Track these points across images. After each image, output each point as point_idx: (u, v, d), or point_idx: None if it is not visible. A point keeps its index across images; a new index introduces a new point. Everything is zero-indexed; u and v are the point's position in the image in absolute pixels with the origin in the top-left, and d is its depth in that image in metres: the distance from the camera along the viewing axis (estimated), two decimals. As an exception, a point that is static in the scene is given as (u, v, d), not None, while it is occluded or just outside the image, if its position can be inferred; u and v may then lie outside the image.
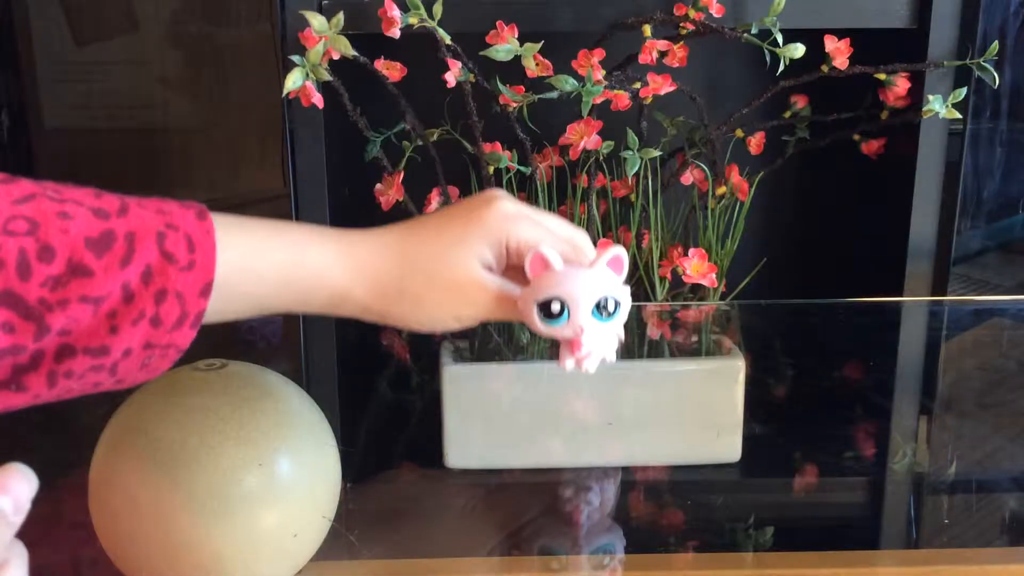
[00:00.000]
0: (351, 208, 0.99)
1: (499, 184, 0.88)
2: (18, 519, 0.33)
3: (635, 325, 0.87)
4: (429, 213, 0.54)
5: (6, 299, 0.38)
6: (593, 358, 0.51)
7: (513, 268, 0.52)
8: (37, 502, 0.34)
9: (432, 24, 0.80)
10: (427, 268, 0.50)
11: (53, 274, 0.39)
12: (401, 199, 0.87)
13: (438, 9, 0.79)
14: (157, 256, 0.42)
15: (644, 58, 0.84)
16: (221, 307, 0.45)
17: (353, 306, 0.49)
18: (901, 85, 0.87)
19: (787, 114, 0.94)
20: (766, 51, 0.81)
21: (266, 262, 0.46)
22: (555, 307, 0.49)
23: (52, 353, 0.40)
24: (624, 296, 0.51)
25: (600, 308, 0.49)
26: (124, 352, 0.41)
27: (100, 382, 0.42)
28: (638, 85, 0.84)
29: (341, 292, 0.49)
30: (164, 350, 0.43)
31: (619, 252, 0.50)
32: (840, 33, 0.84)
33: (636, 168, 0.85)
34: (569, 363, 0.51)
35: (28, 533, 0.33)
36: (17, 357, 0.39)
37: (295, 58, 0.78)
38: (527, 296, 0.50)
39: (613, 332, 0.51)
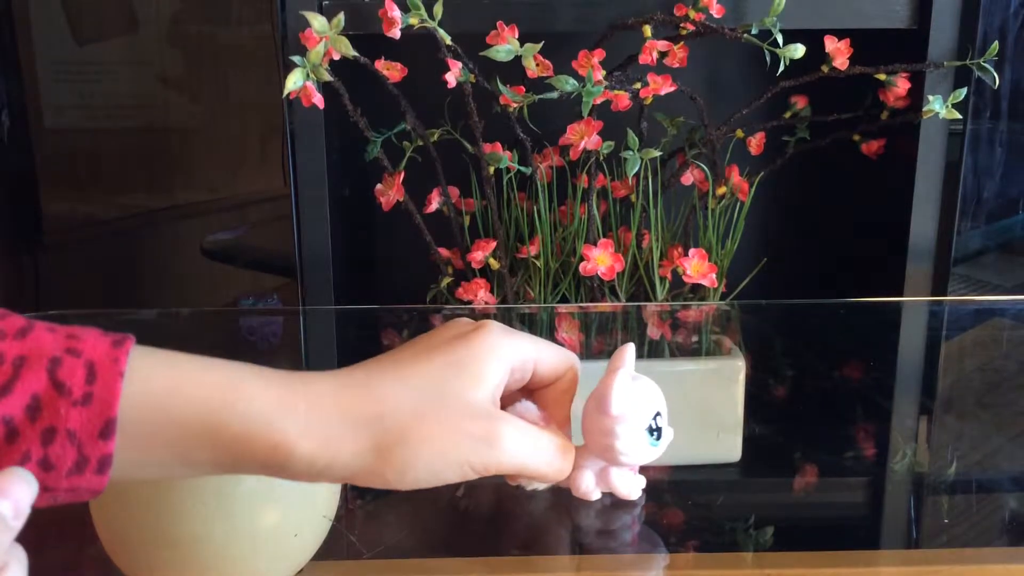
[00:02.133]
0: (352, 208, 0.99)
1: (499, 184, 0.88)
2: (18, 523, 0.32)
3: (635, 325, 0.87)
4: (408, 345, 0.42)
5: None
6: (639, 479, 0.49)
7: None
8: (39, 504, 0.34)
9: (432, 24, 0.80)
10: (414, 403, 0.39)
11: None
12: (401, 199, 0.87)
13: (438, 10, 0.80)
14: (46, 386, 0.34)
15: (644, 58, 0.84)
16: (137, 456, 0.36)
17: (302, 464, 0.37)
18: (901, 85, 0.87)
19: (787, 114, 0.94)
20: (766, 51, 0.81)
21: (184, 402, 0.36)
22: (660, 421, 0.45)
23: None
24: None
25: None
26: None
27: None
28: (638, 85, 0.84)
29: (282, 444, 0.37)
30: (70, 493, 0.36)
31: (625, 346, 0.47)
32: (840, 33, 0.84)
33: (636, 168, 0.85)
34: (636, 491, 0.48)
35: (28, 534, 0.33)
36: None
37: (296, 58, 0.78)
38: (631, 404, 0.44)
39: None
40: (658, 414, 0.47)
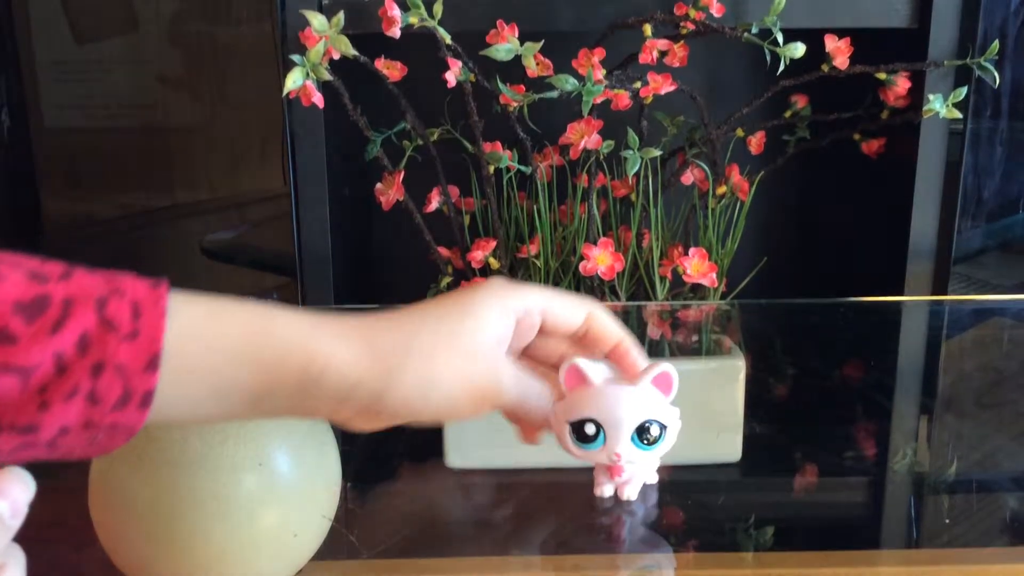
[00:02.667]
0: (351, 208, 0.99)
1: (499, 183, 0.88)
2: (15, 523, 0.32)
3: (635, 325, 0.87)
4: (425, 301, 0.47)
5: None
6: (634, 484, 0.47)
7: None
8: (36, 502, 0.34)
9: (432, 24, 0.80)
10: (432, 331, 0.43)
11: None
12: (401, 199, 0.87)
13: (438, 8, 0.79)
14: (95, 323, 0.36)
15: (644, 58, 0.84)
16: (176, 390, 0.39)
17: (336, 380, 0.41)
18: (901, 85, 0.87)
19: (787, 114, 0.94)
20: (766, 51, 0.81)
21: (224, 332, 0.40)
22: (589, 429, 0.44)
23: None
24: (671, 419, 0.46)
25: (641, 434, 0.45)
26: (60, 430, 0.37)
27: (38, 456, 0.38)
28: (638, 84, 0.84)
29: (317, 362, 0.41)
30: (110, 431, 0.38)
31: (667, 369, 0.45)
32: (840, 33, 0.84)
33: (636, 168, 0.85)
34: (607, 489, 0.47)
35: (27, 534, 0.33)
36: None
37: (295, 57, 0.78)
38: (559, 412, 0.45)
39: (657, 456, 0.46)
40: (652, 424, 0.46)
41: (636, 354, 0.48)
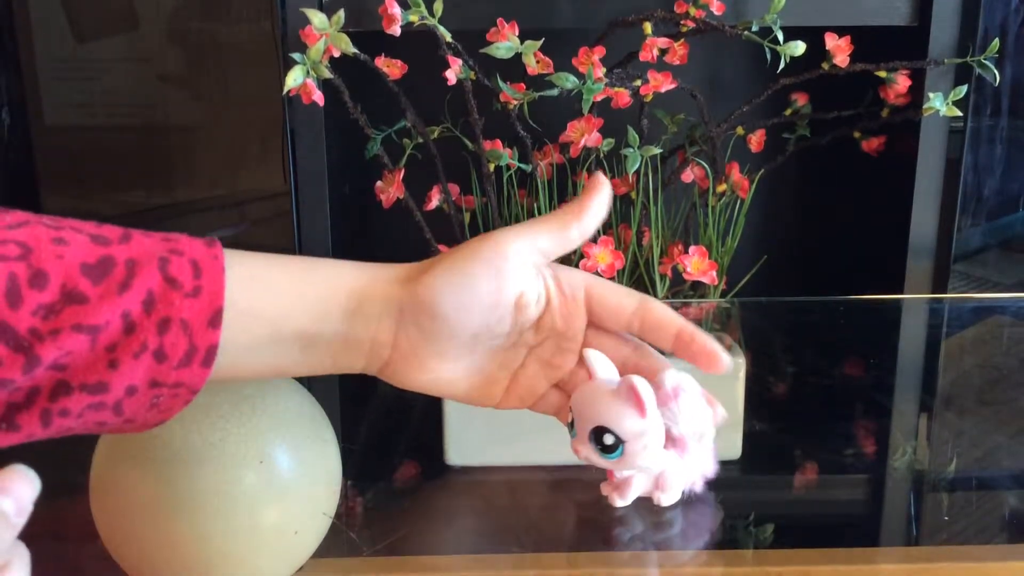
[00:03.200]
0: (352, 206, 0.99)
1: (499, 181, 0.88)
2: (20, 521, 0.32)
3: (635, 323, 0.87)
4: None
5: None
6: (671, 493, 0.46)
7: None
8: (38, 500, 0.34)
9: (432, 22, 0.80)
10: (468, 247, 0.45)
11: (45, 302, 0.36)
12: (402, 197, 0.87)
13: (438, 7, 0.79)
14: (159, 282, 0.38)
15: (645, 56, 0.84)
16: (237, 342, 0.40)
17: (383, 297, 0.44)
18: (902, 83, 0.87)
19: (788, 112, 0.94)
20: (767, 48, 0.81)
21: (276, 275, 0.42)
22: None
23: (47, 390, 0.37)
24: (634, 432, 0.43)
25: (597, 439, 0.44)
26: (127, 390, 0.38)
27: (104, 421, 0.39)
28: (638, 83, 0.84)
29: (361, 288, 0.44)
30: (173, 390, 0.39)
31: (635, 383, 0.43)
32: (841, 31, 0.84)
33: (636, 166, 0.85)
34: (604, 489, 0.47)
35: (30, 533, 0.33)
36: (8, 393, 0.36)
37: (296, 56, 0.78)
38: (582, 405, 0.44)
39: (699, 459, 0.45)
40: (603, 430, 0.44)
41: (703, 340, 0.45)
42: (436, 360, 0.45)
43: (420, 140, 0.88)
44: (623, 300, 0.47)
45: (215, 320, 0.39)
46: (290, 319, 0.42)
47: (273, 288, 0.41)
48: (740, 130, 0.93)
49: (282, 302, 0.42)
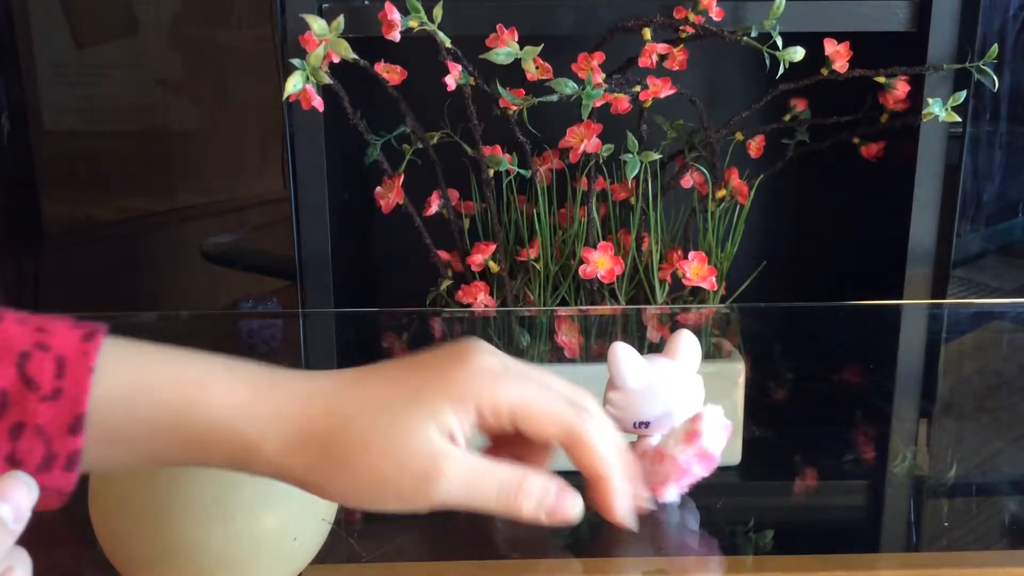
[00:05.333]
0: (351, 211, 0.99)
1: (499, 187, 0.88)
2: (18, 527, 0.32)
3: (635, 328, 0.87)
4: (391, 362, 0.42)
5: None
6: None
7: (504, 440, 0.42)
8: (37, 506, 0.34)
9: (432, 27, 0.80)
10: (363, 428, 0.38)
11: None
12: (401, 202, 0.87)
13: (438, 12, 0.80)
14: (14, 381, 0.34)
15: (644, 61, 0.84)
16: (104, 451, 0.36)
17: (262, 465, 0.38)
18: (901, 88, 0.87)
19: (787, 117, 0.94)
20: (766, 54, 0.82)
21: (152, 401, 0.37)
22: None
23: None
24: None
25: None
26: None
27: None
28: (638, 88, 0.84)
29: (244, 446, 0.38)
30: (40, 493, 0.35)
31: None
32: (840, 36, 0.84)
33: (636, 171, 0.85)
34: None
35: (27, 538, 0.33)
36: None
37: (295, 61, 0.78)
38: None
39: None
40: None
41: (614, 499, 0.42)
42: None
43: (420, 146, 0.88)
44: (545, 427, 0.41)
45: (76, 426, 0.35)
46: (166, 452, 0.38)
47: (144, 419, 0.37)
48: (739, 136, 0.93)
49: (151, 441, 0.37)
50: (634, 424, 0.46)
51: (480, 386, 0.39)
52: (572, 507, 0.42)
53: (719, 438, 0.45)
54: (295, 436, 0.38)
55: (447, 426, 0.39)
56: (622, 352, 0.45)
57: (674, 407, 0.46)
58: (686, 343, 0.47)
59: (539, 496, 0.41)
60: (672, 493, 0.46)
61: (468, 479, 0.39)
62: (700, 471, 0.45)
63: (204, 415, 0.37)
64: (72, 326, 0.37)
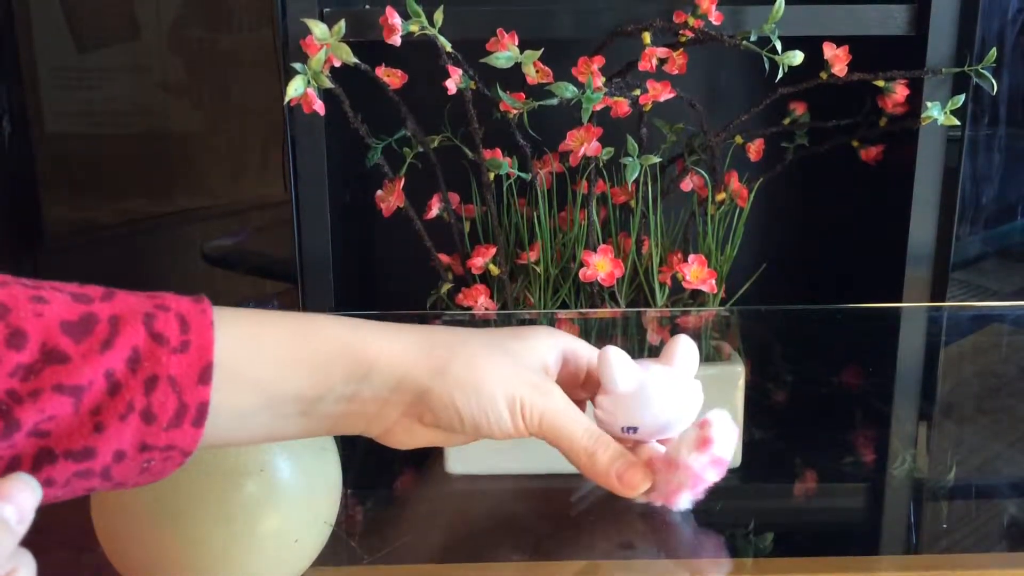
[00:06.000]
0: (352, 214, 0.99)
1: (499, 190, 0.88)
2: (22, 528, 0.32)
3: (635, 331, 0.87)
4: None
5: None
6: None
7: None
8: (39, 509, 0.34)
9: (433, 32, 0.80)
10: (484, 344, 0.43)
11: (24, 362, 0.34)
12: (402, 205, 0.88)
13: (439, 17, 0.80)
14: (145, 338, 0.36)
15: (644, 65, 0.84)
16: (230, 402, 0.38)
17: (385, 373, 0.41)
18: (900, 92, 0.88)
19: (786, 121, 0.94)
20: (765, 58, 0.82)
21: (271, 334, 0.40)
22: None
23: (29, 458, 0.35)
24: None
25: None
26: (115, 455, 0.36)
27: (92, 487, 0.37)
28: (638, 92, 0.84)
29: (368, 356, 0.41)
30: (165, 453, 0.37)
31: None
32: (839, 40, 0.85)
33: (636, 174, 0.85)
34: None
35: (29, 540, 0.33)
36: None
37: (297, 65, 0.79)
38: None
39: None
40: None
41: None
42: (437, 434, 0.44)
43: (420, 149, 0.88)
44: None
45: (205, 376, 0.37)
46: (287, 383, 0.40)
47: (268, 355, 0.39)
48: (739, 139, 0.93)
49: (277, 373, 0.40)
50: (622, 429, 0.46)
51: (559, 336, 0.46)
52: (641, 479, 0.44)
53: (730, 443, 0.44)
54: (413, 343, 0.42)
55: (543, 359, 0.44)
56: (613, 356, 0.45)
57: (668, 413, 0.45)
58: (683, 348, 0.47)
59: (614, 454, 0.44)
60: (686, 501, 0.45)
61: (565, 408, 0.43)
62: (713, 477, 0.44)
63: (324, 337, 0.40)
64: (177, 295, 0.39)
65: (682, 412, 0.46)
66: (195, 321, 0.37)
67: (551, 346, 0.45)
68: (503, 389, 0.42)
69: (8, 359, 0.34)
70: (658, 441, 0.47)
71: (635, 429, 0.45)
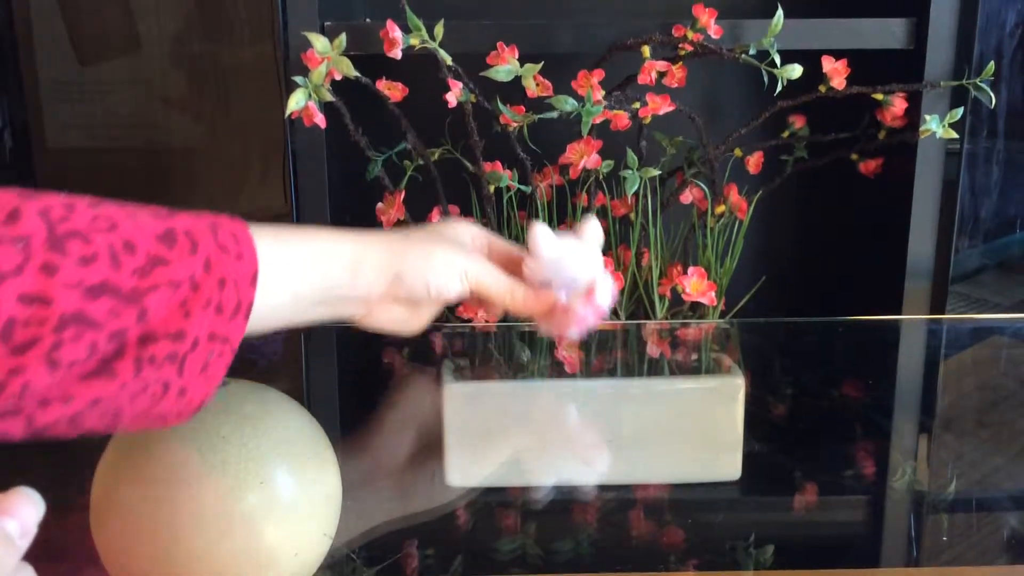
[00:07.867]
0: (352, 227, 0.99)
1: (499, 203, 0.88)
2: (24, 542, 0.33)
3: (635, 343, 0.87)
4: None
5: (105, 289, 0.42)
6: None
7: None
8: (41, 523, 0.34)
9: (433, 45, 0.81)
10: (429, 232, 0.59)
11: (138, 265, 0.43)
12: (402, 218, 0.88)
13: (439, 31, 0.80)
14: (214, 247, 0.46)
15: (643, 78, 0.84)
16: (264, 298, 0.48)
17: (372, 263, 0.55)
18: (898, 105, 0.88)
19: (785, 134, 0.95)
20: (764, 72, 0.82)
21: (291, 242, 0.51)
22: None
23: (136, 339, 0.43)
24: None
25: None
26: (193, 342, 0.44)
27: (169, 381, 0.44)
28: (637, 105, 0.85)
29: (358, 253, 0.54)
30: (222, 345, 0.46)
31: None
32: (838, 54, 0.85)
33: (636, 187, 0.85)
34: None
35: (30, 552, 0.33)
36: (111, 343, 0.42)
37: (298, 79, 0.79)
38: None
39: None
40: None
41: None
42: (403, 310, 0.57)
43: (421, 162, 0.88)
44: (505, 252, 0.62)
45: (253, 280, 0.47)
46: (306, 280, 0.51)
47: (291, 254, 0.50)
48: (738, 152, 0.94)
49: (298, 271, 0.50)
50: (540, 283, 0.60)
51: (470, 225, 0.62)
52: (540, 307, 0.60)
53: (608, 297, 0.60)
54: (391, 241, 0.56)
55: (468, 240, 0.61)
56: (540, 229, 0.60)
57: (573, 272, 0.60)
58: (590, 227, 0.61)
59: (526, 293, 0.60)
60: (575, 334, 0.60)
61: (491, 269, 0.59)
62: (593, 320, 0.60)
63: (326, 240, 0.53)
64: (212, 214, 0.48)
65: (582, 273, 0.60)
66: (242, 237, 0.47)
67: (473, 233, 0.61)
68: (451, 260, 0.57)
69: (127, 263, 0.43)
70: (564, 293, 0.61)
71: (550, 283, 0.60)
